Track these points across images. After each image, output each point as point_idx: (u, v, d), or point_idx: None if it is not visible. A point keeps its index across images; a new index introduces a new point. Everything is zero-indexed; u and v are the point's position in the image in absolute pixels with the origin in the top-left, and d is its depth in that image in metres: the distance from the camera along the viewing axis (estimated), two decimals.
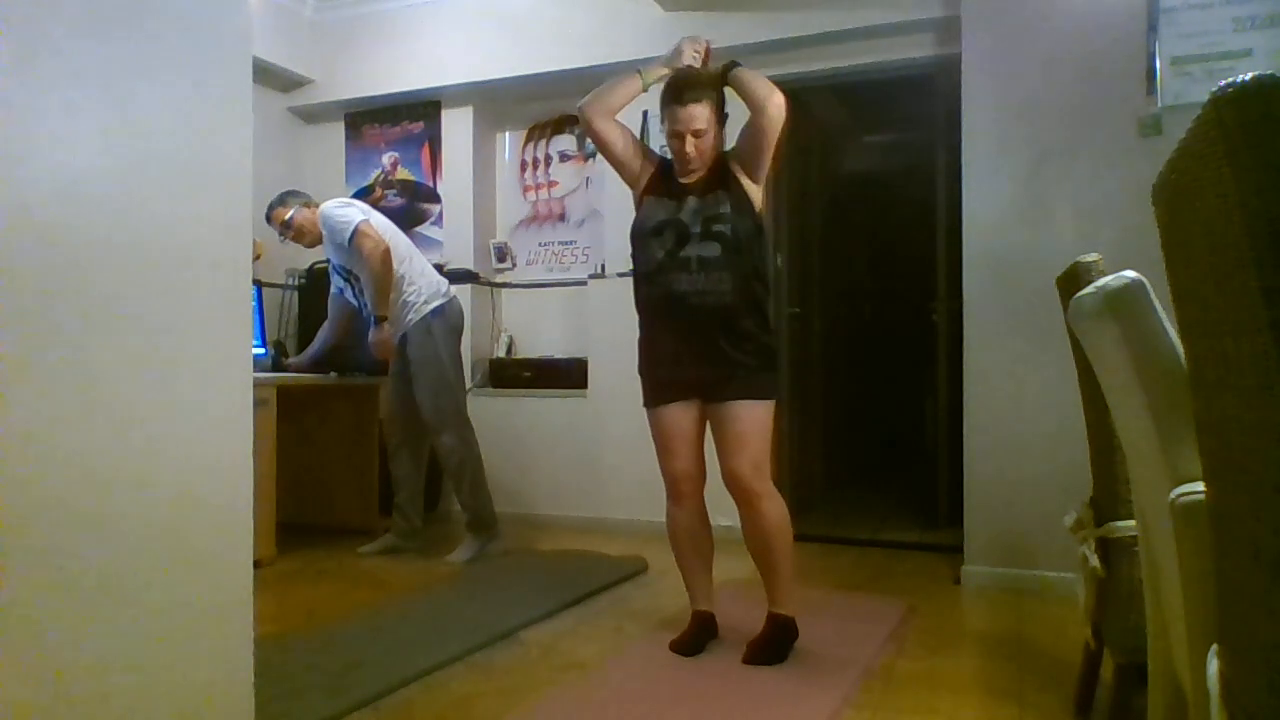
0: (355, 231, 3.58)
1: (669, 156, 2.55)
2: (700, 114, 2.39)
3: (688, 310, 2.39)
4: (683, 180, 2.48)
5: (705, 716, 2.06)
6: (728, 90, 2.50)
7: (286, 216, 3.73)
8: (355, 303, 3.82)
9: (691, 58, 2.53)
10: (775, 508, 2.44)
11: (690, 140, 2.40)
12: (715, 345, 2.39)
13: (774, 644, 2.42)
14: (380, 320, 3.61)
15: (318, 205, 3.77)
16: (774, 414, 2.46)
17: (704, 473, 2.56)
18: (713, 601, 2.62)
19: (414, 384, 3.65)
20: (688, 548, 2.58)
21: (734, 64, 2.50)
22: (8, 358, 1.26)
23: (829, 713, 2.04)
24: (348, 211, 3.65)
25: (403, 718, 2.05)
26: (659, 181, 2.52)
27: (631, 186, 2.59)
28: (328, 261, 3.91)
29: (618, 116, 2.54)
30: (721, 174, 2.47)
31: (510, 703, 2.12)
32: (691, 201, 2.44)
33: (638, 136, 4.27)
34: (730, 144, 2.54)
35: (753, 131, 2.43)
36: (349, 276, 3.75)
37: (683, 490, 2.54)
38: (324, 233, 3.70)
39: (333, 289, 3.92)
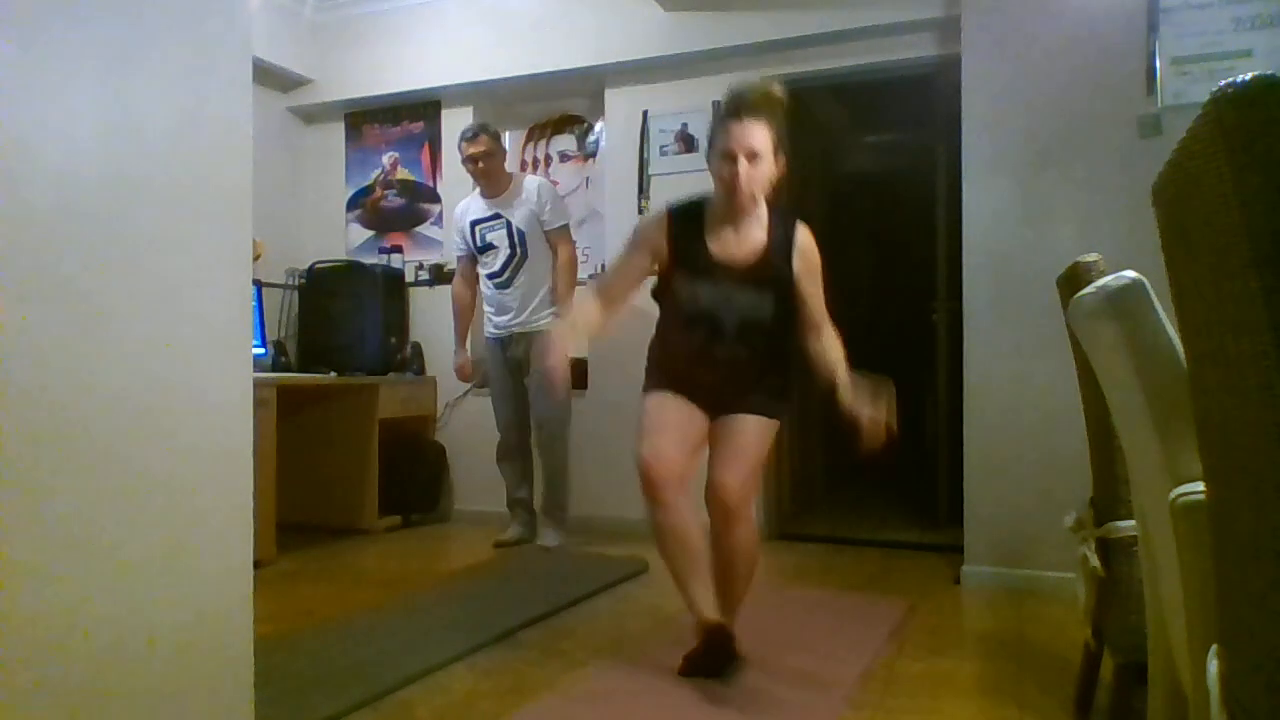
0: (569, 228, 3.98)
1: (685, 203, 2.34)
2: (760, 134, 2.13)
3: (712, 363, 2.32)
4: (718, 252, 2.24)
5: (705, 716, 2.06)
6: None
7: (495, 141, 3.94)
8: (495, 268, 3.95)
9: None
10: (748, 534, 2.34)
11: (743, 163, 2.13)
12: (733, 382, 2.34)
13: (712, 655, 2.21)
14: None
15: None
16: (774, 437, 2.41)
17: (684, 466, 2.28)
18: (717, 608, 2.29)
19: (537, 387, 3.80)
20: (675, 549, 2.28)
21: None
22: (4, 356, 1.26)
23: (829, 713, 2.04)
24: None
25: (403, 718, 2.05)
26: (685, 248, 2.26)
27: (661, 269, 2.35)
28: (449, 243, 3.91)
29: (615, 297, 2.36)
30: (776, 248, 2.26)
31: (510, 703, 2.12)
32: (732, 295, 2.24)
33: (637, 140, 4.33)
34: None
35: (803, 298, 2.34)
36: (518, 244, 3.91)
37: (655, 475, 2.21)
38: (541, 196, 3.91)
39: (468, 248, 4.04)
